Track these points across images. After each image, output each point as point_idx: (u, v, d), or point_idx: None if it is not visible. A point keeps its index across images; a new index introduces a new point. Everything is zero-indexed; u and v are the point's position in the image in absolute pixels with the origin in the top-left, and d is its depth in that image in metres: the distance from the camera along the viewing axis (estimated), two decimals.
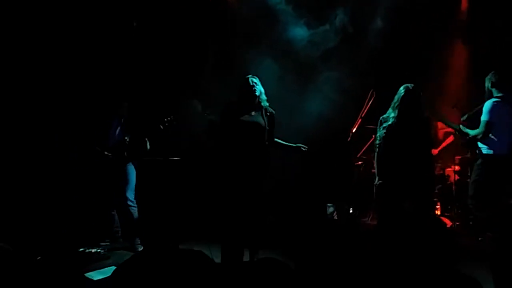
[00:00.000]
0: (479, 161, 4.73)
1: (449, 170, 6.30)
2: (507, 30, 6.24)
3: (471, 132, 4.77)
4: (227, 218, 4.11)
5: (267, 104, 4.26)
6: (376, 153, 4.29)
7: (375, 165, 4.32)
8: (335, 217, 6.14)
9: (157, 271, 2.70)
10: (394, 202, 4.13)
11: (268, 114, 4.23)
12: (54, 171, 5.67)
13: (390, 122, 4.15)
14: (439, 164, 6.35)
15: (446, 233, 4.17)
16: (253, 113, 4.17)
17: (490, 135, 4.64)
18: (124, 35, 6.26)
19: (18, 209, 5.17)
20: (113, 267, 4.25)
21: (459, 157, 6.21)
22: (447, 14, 6.66)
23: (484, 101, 4.74)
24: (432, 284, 2.98)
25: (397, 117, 4.12)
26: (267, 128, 4.19)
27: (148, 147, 5.00)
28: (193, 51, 6.54)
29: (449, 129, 6.35)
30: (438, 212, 6.20)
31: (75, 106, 5.81)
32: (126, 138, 5.00)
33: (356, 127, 5.84)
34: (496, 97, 4.62)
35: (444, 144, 6.50)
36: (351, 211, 6.00)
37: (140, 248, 4.98)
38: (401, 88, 4.22)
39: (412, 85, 4.18)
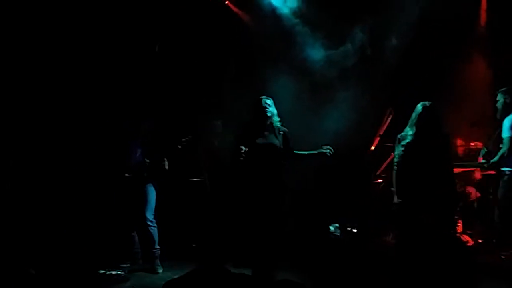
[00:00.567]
0: (505, 177, 4.69)
1: (470, 187, 6.19)
2: None
3: (498, 156, 4.70)
4: (247, 239, 4.12)
5: (279, 124, 4.32)
6: (394, 171, 4.25)
7: (393, 183, 4.27)
8: (339, 236, 6.06)
9: None
10: (413, 220, 4.08)
11: (281, 133, 4.28)
12: (76, 192, 5.76)
13: (408, 140, 4.13)
14: (460, 181, 6.24)
15: (466, 252, 4.12)
16: (266, 133, 4.22)
17: None
18: (146, 56, 6.38)
19: (40, 231, 5.24)
20: None
21: (480, 173, 6.11)
22: (466, 29, 6.63)
23: (499, 118, 4.74)
24: None
25: (415, 134, 4.10)
26: (281, 147, 4.23)
27: (167, 167, 5.05)
28: (212, 70, 6.63)
29: (471, 146, 6.29)
30: (459, 230, 6.07)
31: (97, 126, 5.92)
32: (146, 160, 5.06)
33: (374, 145, 5.85)
34: None
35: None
36: (354, 230, 5.92)
37: (160, 270, 4.99)
38: (419, 105, 4.21)
39: (430, 102, 4.17)
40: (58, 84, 5.80)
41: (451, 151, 4.49)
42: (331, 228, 6.06)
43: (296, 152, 4.37)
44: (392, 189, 4.30)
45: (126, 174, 5.09)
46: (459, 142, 6.48)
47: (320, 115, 6.19)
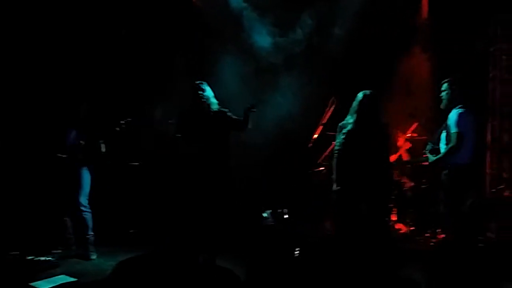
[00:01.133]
0: (446, 171, 4.55)
1: (404, 177, 6.43)
2: (467, 38, 6.45)
3: (444, 152, 4.51)
4: (184, 223, 4.07)
5: (218, 107, 4.27)
6: (335, 159, 4.30)
7: (333, 171, 4.33)
8: (271, 223, 6.12)
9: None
10: (351, 207, 4.17)
11: (220, 115, 4.23)
12: (5, 173, 5.40)
13: (348, 128, 4.17)
14: (396, 171, 6.48)
15: (393, 240, 4.29)
16: (204, 119, 4.17)
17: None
18: (86, 35, 6.08)
19: None
20: (64, 276, 4.11)
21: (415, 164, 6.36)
22: (408, 21, 6.80)
23: (444, 109, 4.64)
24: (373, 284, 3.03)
25: (355, 123, 4.14)
26: (222, 127, 4.20)
27: (103, 150, 4.84)
28: (159, 54, 6.44)
29: (407, 136, 6.52)
30: (394, 218, 6.31)
31: (30, 106, 5.59)
32: (81, 141, 4.82)
33: (317, 133, 5.91)
34: (460, 107, 4.49)
35: (400, 152, 6.64)
36: (286, 216, 6.00)
37: (94, 256, 4.81)
38: (360, 94, 4.26)
39: (371, 91, 4.23)
40: None
41: (389, 140, 4.57)
42: (264, 214, 6.09)
43: (239, 122, 4.35)
44: (332, 176, 4.35)
45: (59, 155, 4.82)
46: (397, 133, 6.70)
47: (265, 101, 6.16)
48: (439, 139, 4.63)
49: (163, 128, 5.47)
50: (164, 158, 5.57)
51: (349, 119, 4.22)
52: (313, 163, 6.34)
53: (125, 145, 5.32)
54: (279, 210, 6.00)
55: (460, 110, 4.44)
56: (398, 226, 6.27)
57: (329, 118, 5.79)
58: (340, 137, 4.23)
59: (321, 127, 5.89)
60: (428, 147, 4.79)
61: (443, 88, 4.62)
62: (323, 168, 6.61)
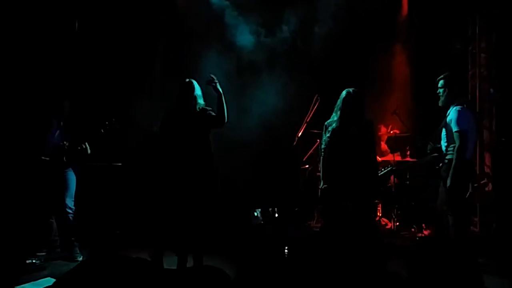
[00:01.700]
0: (444, 167, 4.42)
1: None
2: (446, 37, 6.56)
3: (455, 152, 4.28)
4: (170, 224, 4.05)
5: (203, 103, 4.26)
6: (321, 157, 4.34)
7: (320, 169, 4.37)
8: (261, 222, 6.16)
9: (101, 281, 2.60)
10: (338, 205, 4.20)
11: (203, 113, 4.22)
12: None
13: (333, 126, 4.20)
14: (380, 167, 6.57)
15: (380, 236, 4.32)
16: (188, 117, 4.16)
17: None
18: (66, 32, 6.01)
19: None
20: (49, 278, 4.06)
21: (398, 160, 6.46)
22: (389, 20, 6.89)
23: (442, 106, 4.54)
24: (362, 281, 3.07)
25: (339, 120, 4.17)
26: (203, 126, 4.19)
27: (89, 151, 4.80)
28: (141, 52, 6.40)
29: (391, 134, 6.61)
30: (379, 214, 6.41)
31: (11, 105, 5.50)
32: (65, 142, 4.78)
33: (301, 131, 5.96)
34: (458, 104, 4.38)
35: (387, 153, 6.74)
36: (276, 215, 6.04)
37: (80, 258, 4.77)
38: (343, 91, 4.28)
39: (354, 88, 4.27)
40: None
41: (374, 137, 4.57)
42: (254, 213, 6.12)
43: (219, 115, 4.25)
44: (318, 174, 4.38)
45: (43, 157, 4.76)
46: (382, 129, 6.80)
47: (249, 101, 6.22)
48: (439, 137, 4.51)
49: (147, 127, 5.48)
50: (148, 158, 5.54)
51: (334, 117, 4.25)
52: (298, 161, 6.39)
53: (110, 146, 5.27)
54: (269, 209, 6.02)
55: (459, 107, 4.33)
56: (383, 221, 6.37)
57: (313, 116, 5.84)
58: (325, 136, 4.27)
59: (305, 125, 5.93)
60: (429, 147, 4.66)
61: (439, 85, 4.53)
62: (308, 166, 6.68)
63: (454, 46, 6.55)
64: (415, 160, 6.31)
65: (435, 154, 4.55)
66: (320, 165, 4.34)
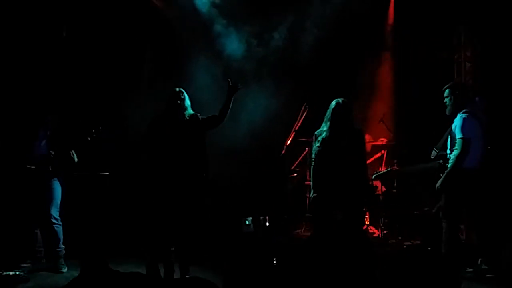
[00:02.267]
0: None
1: (376, 181, 6.55)
2: (432, 46, 6.64)
3: (453, 160, 4.34)
4: (156, 233, 4.02)
5: (192, 112, 4.24)
6: (312, 167, 4.35)
7: (310, 178, 4.37)
8: (252, 230, 6.13)
9: None
10: (328, 214, 4.21)
11: (193, 119, 4.20)
12: None
13: (323, 136, 4.23)
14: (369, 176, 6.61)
15: (370, 245, 4.33)
16: (178, 126, 4.13)
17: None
18: (54, 40, 5.95)
19: None
20: None
21: (384, 169, 6.51)
22: (376, 29, 6.96)
23: (449, 114, 4.59)
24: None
25: (329, 130, 4.20)
26: (198, 134, 4.16)
27: (76, 160, 4.73)
28: (130, 59, 6.37)
29: (378, 142, 6.65)
30: (367, 222, 6.42)
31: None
32: (51, 151, 4.70)
33: (290, 140, 5.97)
34: (464, 112, 4.41)
35: (375, 157, 6.78)
36: (267, 224, 6.03)
37: (65, 269, 4.68)
38: (333, 102, 4.31)
39: (343, 99, 4.30)
40: None
41: (364, 147, 4.60)
42: (246, 221, 6.09)
43: (219, 115, 4.26)
44: (307, 182, 4.39)
45: (28, 166, 4.68)
46: (367, 138, 6.83)
47: (238, 109, 6.18)
48: (444, 145, 4.55)
49: (135, 136, 5.41)
50: (136, 167, 5.48)
51: (324, 127, 4.28)
52: (287, 169, 6.39)
53: (97, 155, 5.20)
54: (260, 218, 6.00)
55: (464, 115, 4.37)
56: (371, 229, 6.38)
57: (301, 124, 5.86)
58: (315, 145, 4.29)
59: (293, 134, 5.94)
60: (434, 153, 4.68)
61: (445, 95, 4.57)
62: (296, 174, 6.68)
63: (440, 55, 6.63)
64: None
65: (440, 161, 4.57)
66: (310, 174, 4.35)
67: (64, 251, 4.74)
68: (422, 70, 6.63)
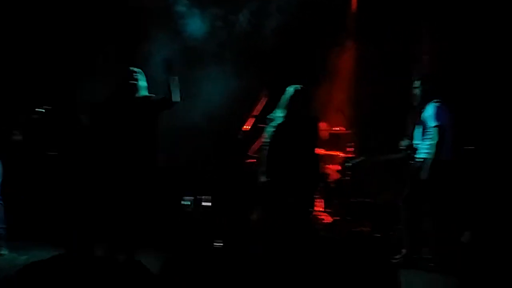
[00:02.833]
0: (419, 164, 4.48)
1: (330, 168, 6.63)
2: (392, 37, 6.71)
3: (432, 149, 4.34)
4: (100, 218, 3.91)
5: (146, 93, 4.12)
6: (264, 152, 4.34)
7: (262, 163, 4.35)
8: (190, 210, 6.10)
9: None
10: (279, 199, 4.23)
11: (145, 100, 4.07)
12: None
13: (278, 122, 4.22)
14: (322, 163, 6.67)
15: (313, 229, 4.43)
16: (128, 107, 4.00)
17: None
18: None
19: None
20: None
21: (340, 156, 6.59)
22: (339, 16, 6.93)
23: (416, 105, 4.64)
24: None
25: (286, 117, 4.20)
26: (149, 116, 4.05)
27: (19, 138, 4.50)
28: (84, 41, 6.10)
29: (335, 131, 6.71)
30: (320, 208, 6.50)
31: None
32: None
33: (248, 125, 5.93)
34: (437, 101, 4.47)
35: (331, 146, 6.83)
36: (204, 204, 6.00)
37: (5, 251, 4.53)
38: (291, 88, 4.31)
39: (301, 86, 4.29)
40: None
41: (317, 134, 4.62)
42: (185, 202, 6.02)
43: (166, 97, 4.14)
44: (260, 168, 4.38)
45: None
46: (325, 126, 6.88)
47: (196, 91, 6.08)
48: (412, 135, 4.58)
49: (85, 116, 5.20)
50: (82, 148, 5.29)
51: (279, 113, 4.27)
52: (243, 154, 6.35)
53: (44, 134, 4.97)
54: (199, 197, 5.94)
55: (437, 104, 4.41)
56: (323, 216, 6.47)
57: (261, 110, 5.82)
58: (269, 130, 4.28)
59: (252, 119, 5.90)
60: (405, 143, 4.70)
61: (416, 85, 4.62)
62: (254, 160, 6.66)
63: (400, 46, 6.72)
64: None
65: (408, 151, 4.65)
66: (263, 158, 4.33)
67: (4, 232, 4.55)
68: (381, 60, 6.70)
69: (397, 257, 4.63)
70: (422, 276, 4.29)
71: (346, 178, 6.43)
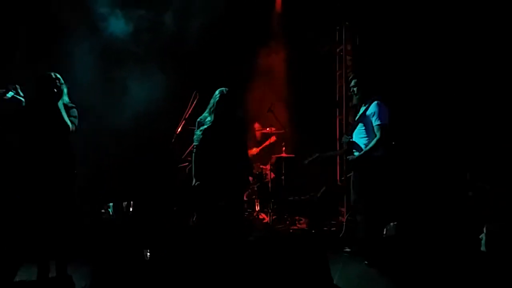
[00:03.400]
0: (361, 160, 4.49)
1: (265, 169, 6.73)
2: (317, 38, 6.93)
3: (371, 145, 4.41)
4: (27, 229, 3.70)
5: (68, 101, 3.96)
6: (193, 154, 4.31)
7: (192, 166, 4.33)
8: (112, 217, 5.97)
9: None
10: (210, 202, 4.22)
11: (70, 110, 3.92)
12: None
13: (206, 126, 4.22)
14: (258, 163, 6.75)
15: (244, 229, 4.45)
16: (50, 115, 3.82)
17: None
18: None
19: None
20: None
21: (274, 156, 6.71)
22: (266, 15, 7.06)
23: (356, 103, 4.68)
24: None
25: (212, 119, 4.20)
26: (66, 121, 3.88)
27: None
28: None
29: (266, 130, 6.81)
30: (257, 208, 6.57)
31: None
32: None
33: (180, 128, 5.85)
34: (376, 99, 4.49)
35: (264, 144, 6.94)
36: (126, 209, 5.90)
37: None
38: (217, 92, 4.30)
39: (227, 89, 4.30)
40: None
41: (246, 134, 4.65)
42: (108, 209, 5.86)
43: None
44: (192, 171, 4.35)
45: None
46: (256, 126, 6.98)
47: (122, 94, 5.93)
48: (352, 132, 4.60)
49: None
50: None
51: (207, 117, 4.26)
52: (176, 159, 6.27)
53: None
54: (122, 204, 5.79)
55: (379, 102, 4.44)
56: (261, 216, 6.55)
57: (191, 112, 5.77)
58: (198, 133, 4.26)
59: (183, 122, 5.84)
60: (345, 139, 4.74)
61: (352, 84, 4.65)
62: (187, 164, 6.58)
63: (324, 47, 6.97)
64: (293, 156, 6.61)
65: (345, 147, 4.67)
66: (193, 162, 4.31)
67: None
68: (308, 60, 6.90)
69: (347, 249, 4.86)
70: (353, 269, 4.38)
71: (281, 177, 6.56)
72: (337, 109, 6.96)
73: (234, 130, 4.26)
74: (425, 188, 5.86)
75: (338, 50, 6.97)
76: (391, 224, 5.20)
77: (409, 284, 4.04)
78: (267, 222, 6.35)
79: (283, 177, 6.61)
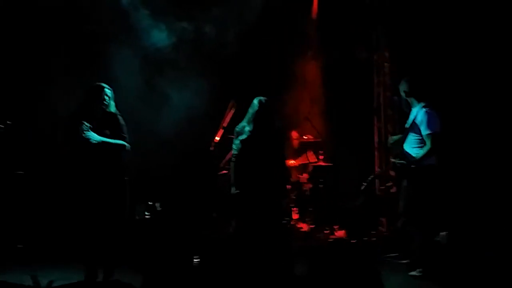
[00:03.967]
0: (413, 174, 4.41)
1: (303, 178, 6.69)
2: (353, 46, 6.89)
3: (422, 155, 4.34)
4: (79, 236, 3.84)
5: (114, 109, 4.09)
6: (232, 163, 4.35)
7: (231, 175, 4.36)
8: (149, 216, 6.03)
9: None
10: (249, 211, 4.23)
11: (114, 120, 4.05)
12: None
13: (245, 135, 4.24)
14: (295, 172, 6.73)
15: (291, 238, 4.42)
16: (100, 123, 3.96)
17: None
18: None
19: None
20: None
21: (311, 164, 6.67)
22: (302, 25, 7.06)
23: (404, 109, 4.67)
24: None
25: (252, 131, 4.23)
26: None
27: None
28: (41, 50, 5.98)
29: (305, 139, 6.79)
30: (295, 217, 6.52)
31: None
32: None
33: (218, 136, 5.94)
34: (425, 106, 4.43)
35: (302, 162, 6.89)
36: (159, 209, 5.94)
37: None
38: (255, 101, 4.31)
39: (265, 98, 4.32)
40: None
41: (285, 144, 4.66)
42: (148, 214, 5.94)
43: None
44: (230, 180, 4.38)
45: None
46: (294, 135, 6.97)
47: (165, 104, 6.07)
48: (404, 140, 4.51)
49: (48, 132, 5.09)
50: (51, 166, 5.17)
51: (246, 127, 4.28)
52: (216, 166, 6.35)
53: (7, 152, 4.84)
54: (150, 204, 5.87)
55: (428, 110, 4.37)
56: (300, 225, 6.50)
57: (229, 121, 5.85)
58: (237, 142, 4.29)
59: (222, 130, 5.92)
60: (390, 140, 4.76)
61: (403, 89, 4.58)
62: (225, 171, 6.65)
63: (360, 54, 6.90)
64: (330, 164, 6.55)
65: (403, 162, 4.47)
66: (232, 170, 4.34)
67: None
68: (344, 68, 6.85)
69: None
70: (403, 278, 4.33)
71: (320, 186, 6.50)
72: (375, 117, 6.86)
73: (273, 140, 4.28)
74: (478, 196, 5.66)
75: (376, 57, 6.89)
76: (443, 233, 5.06)
77: None
78: (305, 231, 6.31)
79: (321, 186, 6.55)
